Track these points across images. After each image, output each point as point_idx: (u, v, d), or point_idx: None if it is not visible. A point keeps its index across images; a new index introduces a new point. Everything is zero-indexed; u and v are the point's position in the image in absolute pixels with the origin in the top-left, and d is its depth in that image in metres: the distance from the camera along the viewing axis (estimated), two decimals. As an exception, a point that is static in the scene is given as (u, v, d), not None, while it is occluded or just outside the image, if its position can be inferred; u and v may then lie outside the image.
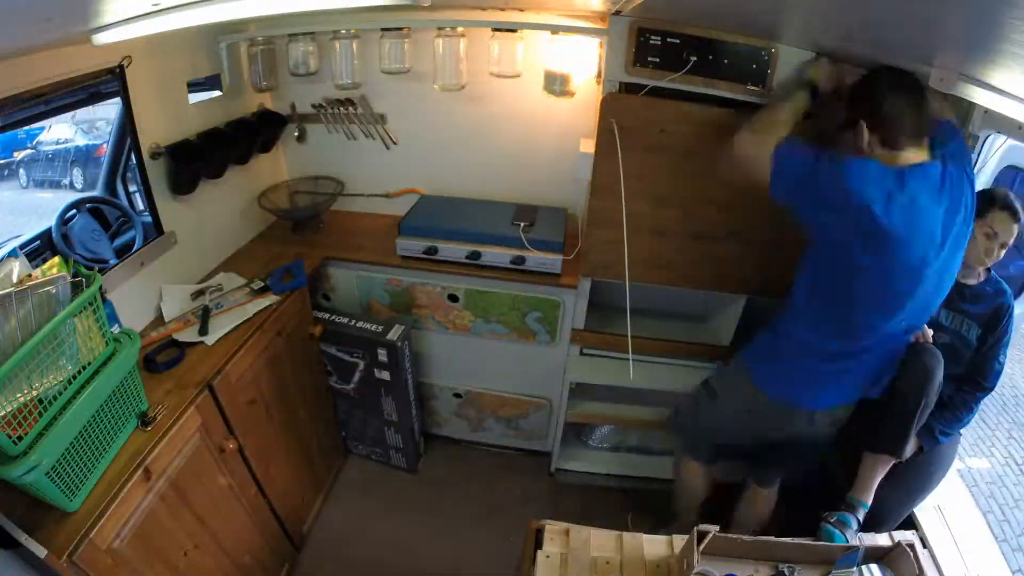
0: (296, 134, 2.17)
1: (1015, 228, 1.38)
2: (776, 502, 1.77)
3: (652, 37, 1.50)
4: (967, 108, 1.52)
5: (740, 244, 1.71)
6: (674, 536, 1.34)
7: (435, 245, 1.92)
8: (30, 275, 1.00)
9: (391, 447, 2.27)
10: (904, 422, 1.36)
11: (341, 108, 2.08)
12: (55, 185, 2.72)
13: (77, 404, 1.03)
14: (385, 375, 1.99)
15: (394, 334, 1.92)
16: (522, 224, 1.92)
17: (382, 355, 1.94)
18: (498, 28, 1.76)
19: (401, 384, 2.01)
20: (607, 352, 2.06)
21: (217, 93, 1.86)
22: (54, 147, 2.77)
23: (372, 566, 1.98)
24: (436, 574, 1.97)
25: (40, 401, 0.97)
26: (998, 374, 1.46)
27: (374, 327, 1.94)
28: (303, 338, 1.85)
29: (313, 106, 2.10)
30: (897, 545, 1.24)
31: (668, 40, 1.49)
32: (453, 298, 1.99)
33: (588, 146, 1.73)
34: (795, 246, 1.75)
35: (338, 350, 2.00)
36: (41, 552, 0.98)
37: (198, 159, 1.66)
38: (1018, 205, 1.37)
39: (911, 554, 1.20)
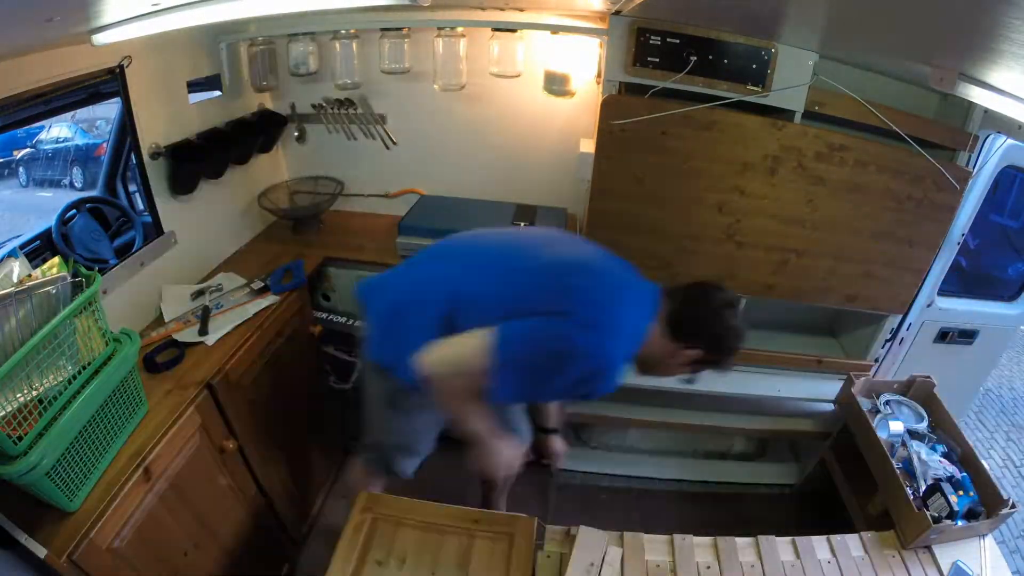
0: (296, 134, 2.17)
1: None
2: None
3: (652, 37, 1.50)
4: (967, 108, 1.53)
5: (738, 246, 1.71)
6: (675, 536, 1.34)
7: (435, 245, 1.91)
8: (30, 275, 1.00)
9: (391, 447, 2.26)
10: None
11: (341, 108, 2.07)
12: (55, 184, 2.71)
13: (77, 404, 1.03)
14: (385, 375, 1.99)
15: (394, 334, 1.91)
16: (522, 224, 1.91)
17: (382, 355, 1.94)
18: (498, 28, 1.76)
19: (401, 384, 2.00)
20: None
21: (217, 93, 1.85)
22: (54, 146, 2.76)
23: (372, 566, 1.97)
24: (436, 574, 1.96)
25: (40, 401, 0.97)
26: None
27: (374, 327, 1.94)
28: (303, 338, 1.85)
29: (313, 106, 2.10)
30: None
31: (668, 40, 1.50)
32: (453, 298, 1.98)
33: (588, 146, 1.73)
34: (794, 250, 1.77)
35: (335, 349, 1.99)
36: (41, 552, 0.98)
37: (198, 159, 1.66)
38: None
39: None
